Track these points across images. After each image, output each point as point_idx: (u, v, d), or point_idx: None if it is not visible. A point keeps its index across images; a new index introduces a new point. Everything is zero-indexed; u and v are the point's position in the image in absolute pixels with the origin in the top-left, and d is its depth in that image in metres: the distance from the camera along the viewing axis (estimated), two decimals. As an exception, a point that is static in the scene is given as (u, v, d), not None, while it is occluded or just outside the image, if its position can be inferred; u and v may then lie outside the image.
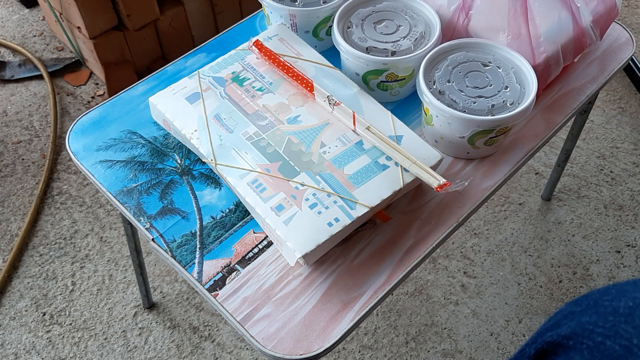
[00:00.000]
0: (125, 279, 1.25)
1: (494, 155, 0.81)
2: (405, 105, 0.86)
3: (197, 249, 0.72)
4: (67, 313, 1.21)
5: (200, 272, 0.70)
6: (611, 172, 1.42)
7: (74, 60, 1.65)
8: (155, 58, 1.61)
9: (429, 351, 1.16)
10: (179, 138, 0.79)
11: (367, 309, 0.68)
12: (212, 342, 1.17)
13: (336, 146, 0.74)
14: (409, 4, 0.86)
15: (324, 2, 0.86)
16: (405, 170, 0.72)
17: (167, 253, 0.71)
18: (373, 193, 0.70)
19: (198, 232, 0.73)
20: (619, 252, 1.29)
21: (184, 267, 0.70)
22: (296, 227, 0.67)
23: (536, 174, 1.42)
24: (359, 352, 1.16)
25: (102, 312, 1.21)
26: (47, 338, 1.18)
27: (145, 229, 0.73)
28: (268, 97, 0.78)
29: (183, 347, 1.16)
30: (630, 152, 1.46)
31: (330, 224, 0.67)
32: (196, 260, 0.71)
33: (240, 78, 0.80)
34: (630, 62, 1.59)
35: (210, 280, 0.69)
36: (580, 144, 1.47)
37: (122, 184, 0.78)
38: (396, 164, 0.72)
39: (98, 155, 0.81)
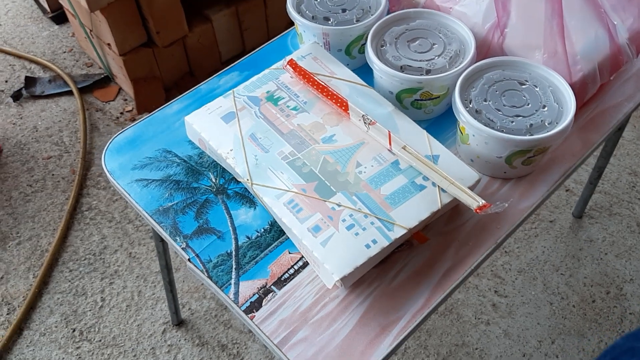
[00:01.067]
0: (154, 295, 1.25)
1: (531, 174, 0.80)
2: (439, 124, 0.85)
3: (233, 270, 0.71)
4: (97, 329, 1.21)
5: (236, 293, 0.70)
6: (644, 189, 1.40)
7: (103, 76, 1.68)
8: (183, 74, 1.63)
9: (460, 371, 1.14)
10: (214, 157, 0.79)
11: (405, 333, 0.67)
12: (241, 359, 1.16)
13: (372, 166, 0.73)
14: (443, 22, 0.85)
15: (357, 21, 0.86)
16: (443, 190, 0.71)
17: (204, 273, 0.71)
18: (411, 214, 0.69)
19: (234, 252, 0.73)
20: (654, 271, 1.27)
21: (220, 288, 0.70)
22: (333, 248, 0.67)
23: (567, 190, 1.40)
24: (389, 371, 1.15)
25: (131, 328, 1.21)
26: (77, 355, 1.18)
27: (182, 249, 0.73)
28: (303, 116, 0.78)
29: (211, 365, 1.16)
30: (663, 168, 1.44)
31: (368, 246, 0.67)
32: (232, 281, 0.71)
33: (274, 97, 0.80)
34: (661, 76, 1.56)
35: (246, 301, 0.69)
36: (611, 161, 1.45)
37: (157, 203, 0.78)
38: (433, 184, 0.72)
39: (134, 174, 0.81)
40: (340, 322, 0.68)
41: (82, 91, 1.65)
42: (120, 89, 1.66)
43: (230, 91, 0.81)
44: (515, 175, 0.79)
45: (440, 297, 0.69)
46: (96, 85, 1.67)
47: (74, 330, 1.21)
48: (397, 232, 0.68)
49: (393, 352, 0.66)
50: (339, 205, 0.70)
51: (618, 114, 0.87)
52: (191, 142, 0.83)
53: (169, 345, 1.19)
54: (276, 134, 0.76)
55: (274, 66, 0.83)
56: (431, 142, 0.76)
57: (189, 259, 0.73)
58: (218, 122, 0.78)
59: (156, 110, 0.88)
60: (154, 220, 0.76)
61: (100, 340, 1.20)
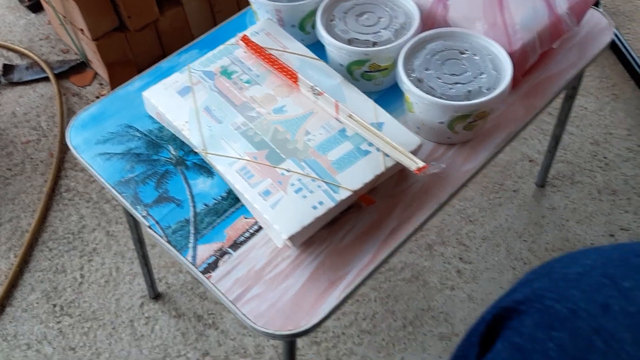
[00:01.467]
0: (131, 270, 1.30)
1: (475, 140, 0.84)
2: (390, 95, 0.89)
3: (191, 234, 0.76)
4: (77, 304, 1.26)
5: (194, 256, 0.74)
6: (605, 157, 1.45)
7: (78, 62, 1.71)
8: (157, 57, 1.66)
9: (426, 335, 1.20)
10: (171, 130, 0.83)
11: (352, 287, 0.71)
12: (216, 329, 1.21)
13: (320, 134, 0.77)
14: (392, -3, 0.89)
15: (310, -3, 0.90)
16: (386, 155, 0.75)
17: (163, 239, 0.76)
18: (356, 177, 0.74)
19: (192, 219, 0.77)
20: (613, 235, 1.32)
21: (179, 252, 0.74)
22: (282, 210, 0.71)
23: (530, 161, 1.44)
24: (358, 336, 1.20)
25: (110, 302, 1.26)
26: (58, 329, 1.22)
27: (142, 216, 0.78)
28: (255, 89, 0.82)
29: (188, 335, 1.20)
30: (623, 137, 1.49)
31: (314, 207, 0.71)
32: (190, 245, 0.75)
33: (228, 71, 0.84)
34: (622, 49, 1.61)
35: (203, 263, 0.73)
36: (574, 131, 1.50)
37: (120, 175, 0.82)
38: (378, 149, 0.76)
39: (97, 148, 0.85)
40: (292, 279, 0.73)
41: (59, 77, 1.68)
42: (95, 73, 1.69)
43: (186, 67, 0.85)
44: (459, 141, 0.83)
45: (385, 254, 0.74)
46: (72, 70, 1.70)
47: (54, 306, 1.26)
48: (343, 194, 0.72)
49: (341, 304, 0.71)
50: (288, 171, 0.74)
51: (561, 81, 0.92)
52: (151, 117, 0.87)
53: (146, 317, 1.23)
54: (229, 106, 0.80)
55: (228, 42, 0.87)
56: (377, 110, 0.80)
57: (149, 226, 0.77)
58: (174, 96, 0.82)
59: (118, 87, 0.92)
60: (116, 191, 0.80)
61: (80, 315, 1.24)
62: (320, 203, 0.71)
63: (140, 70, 1.63)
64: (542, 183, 1.39)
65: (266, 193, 0.72)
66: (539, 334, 0.37)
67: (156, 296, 1.26)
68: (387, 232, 0.76)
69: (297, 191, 0.72)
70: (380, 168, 0.74)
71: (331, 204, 0.71)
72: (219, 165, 0.76)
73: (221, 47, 0.87)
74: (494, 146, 0.84)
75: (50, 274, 1.30)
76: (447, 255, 1.30)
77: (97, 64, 1.63)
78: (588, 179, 1.41)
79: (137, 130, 0.86)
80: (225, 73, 0.83)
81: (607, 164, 1.44)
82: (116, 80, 1.59)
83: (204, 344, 1.19)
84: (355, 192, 0.73)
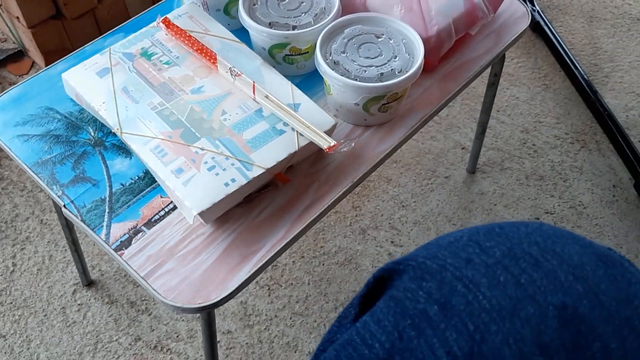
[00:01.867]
0: (65, 258, 1.29)
1: (391, 122, 0.87)
2: (312, 79, 0.91)
3: (106, 213, 0.76)
4: (8, 292, 1.24)
5: (108, 234, 0.75)
6: (533, 144, 1.50)
7: (16, 50, 1.68)
8: (96, 46, 1.64)
9: (357, 316, 1.22)
10: (90, 111, 0.83)
11: (264, 261, 0.73)
12: (149, 315, 1.21)
13: (237, 113, 0.79)
14: (313, -17, 0.91)
15: None
16: (301, 135, 0.77)
17: (77, 217, 0.76)
18: (269, 155, 0.75)
19: (107, 198, 0.78)
20: (538, 218, 1.37)
21: (92, 230, 0.75)
22: (194, 187, 0.72)
23: (462, 148, 1.49)
24: (290, 318, 1.22)
25: (42, 290, 1.25)
26: (-13, 317, 1.21)
27: (57, 196, 0.78)
28: (174, 70, 0.83)
29: (120, 321, 1.21)
30: (552, 125, 1.54)
31: (227, 184, 0.73)
32: (104, 224, 0.76)
33: (148, 53, 0.84)
34: (554, 40, 1.67)
35: (117, 241, 0.74)
36: (505, 120, 1.55)
37: (37, 156, 0.82)
38: (292, 129, 0.78)
39: (16, 130, 0.85)
40: (205, 254, 0.74)
41: (-5, 65, 1.65)
42: (33, 62, 1.67)
43: (107, 49, 0.85)
44: (375, 122, 0.86)
45: (298, 229, 0.76)
46: (9, 59, 1.67)
47: (-16, 295, 1.24)
48: (256, 172, 0.74)
49: (252, 278, 0.73)
50: (202, 149, 0.75)
51: (475, 66, 0.95)
52: (72, 99, 0.87)
53: (79, 304, 1.23)
54: (147, 86, 0.81)
55: (150, 25, 0.88)
56: (294, 91, 0.82)
57: (64, 205, 0.77)
58: (93, 77, 0.82)
59: (41, 70, 0.92)
60: (32, 172, 0.80)
61: (11, 303, 1.23)
62: (233, 180, 0.73)
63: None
64: (472, 169, 1.43)
65: (179, 171, 0.74)
66: (412, 285, 0.41)
67: (89, 283, 1.25)
68: (301, 210, 0.78)
69: (210, 169, 0.74)
70: (294, 147, 0.76)
71: (243, 181, 0.73)
72: (134, 144, 0.76)
73: (143, 29, 0.87)
74: (408, 128, 0.87)
75: (-19, 263, 1.28)
76: (379, 239, 1.33)
77: (34, 53, 1.61)
78: (517, 165, 1.46)
79: (57, 112, 0.86)
80: (145, 54, 0.84)
81: (535, 150, 1.49)
82: (53, 69, 1.57)
83: (136, 330, 1.20)
84: (268, 170, 0.75)
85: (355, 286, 1.26)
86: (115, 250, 0.73)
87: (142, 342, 1.18)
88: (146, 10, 1.01)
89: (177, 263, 0.73)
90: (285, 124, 0.78)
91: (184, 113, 0.78)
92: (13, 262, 1.28)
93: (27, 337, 1.19)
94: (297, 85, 0.83)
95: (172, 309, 0.70)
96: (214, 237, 0.75)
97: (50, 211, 1.36)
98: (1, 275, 1.27)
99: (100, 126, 0.84)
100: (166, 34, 0.86)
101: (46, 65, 1.57)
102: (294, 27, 0.86)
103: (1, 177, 1.42)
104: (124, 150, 0.82)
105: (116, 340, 1.18)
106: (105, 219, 0.76)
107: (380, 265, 1.27)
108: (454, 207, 1.38)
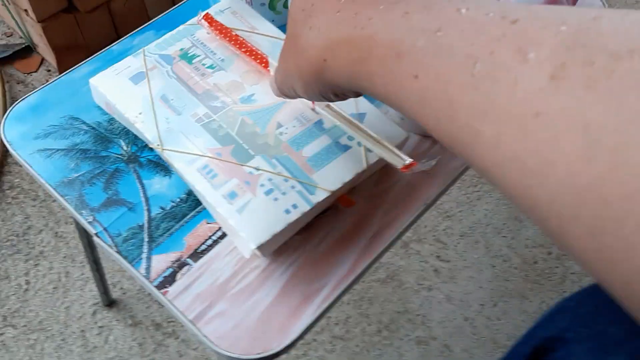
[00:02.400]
0: (82, 275, 1.19)
1: (463, 132, 0.76)
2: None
3: (145, 243, 0.66)
4: (22, 314, 1.14)
5: (148, 268, 0.64)
6: (584, 149, 1.40)
7: (24, 46, 1.57)
8: (111, 41, 1.53)
9: (402, 339, 1.12)
10: (123, 122, 0.73)
11: (329, 302, 0.63)
12: (176, 339, 1.11)
13: (294, 126, 0.68)
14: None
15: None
16: (369, 150, 0.67)
17: (112, 248, 0.65)
18: (334, 176, 0.65)
19: (146, 225, 0.67)
20: (594, 230, 1.27)
21: (130, 264, 0.64)
22: (250, 215, 0.62)
23: (508, 153, 1.38)
24: (330, 342, 1.12)
25: (59, 311, 1.14)
26: (1, 341, 1.11)
27: (88, 222, 0.67)
28: (219, 75, 0.72)
29: (146, 345, 1.10)
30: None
31: (287, 211, 0.62)
32: (144, 255, 0.65)
33: (189, 55, 0.74)
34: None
35: (159, 276, 0.64)
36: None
37: (62, 174, 0.71)
38: (359, 144, 0.67)
39: (36, 144, 0.74)
40: (261, 293, 0.63)
41: (2, 62, 1.54)
42: (43, 59, 1.56)
43: (141, 50, 0.75)
44: (446, 134, 0.76)
45: (366, 263, 0.66)
46: (17, 55, 1.56)
47: (-4, 316, 1.14)
48: (320, 196, 0.63)
49: (316, 321, 0.62)
50: (257, 170, 0.65)
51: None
52: (100, 107, 0.76)
53: (99, 327, 1.13)
54: (190, 94, 0.70)
55: (189, 22, 0.77)
56: (358, 100, 0.71)
57: (95, 234, 0.67)
58: (126, 84, 0.71)
59: (62, 74, 0.81)
60: (58, 193, 0.70)
61: (25, 325, 1.13)
62: (294, 206, 0.62)
63: (92, 53, 1.51)
64: (521, 176, 1.33)
65: (232, 195, 0.63)
66: None
67: (110, 303, 1.15)
68: (368, 238, 0.67)
69: (267, 193, 0.63)
70: (362, 165, 0.66)
71: (306, 207, 0.62)
72: (177, 163, 0.66)
73: (181, 27, 0.77)
74: (484, 140, 0.76)
75: (-8, 280, 1.18)
76: (423, 253, 1.23)
77: (44, 49, 1.50)
78: (567, 172, 1.36)
79: (84, 122, 0.76)
80: (185, 57, 0.73)
81: (586, 156, 1.39)
82: (65, 66, 1.46)
83: (162, 355, 1.09)
84: (333, 193, 0.64)
85: (399, 306, 1.16)
86: (158, 287, 0.63)
87: (169, 369, 1.08)
88: (177, 5, 0.90)
89: (230, 303, 0.62)
90: (350, 138, 0.68)
91: (234, 126, 0.68)
92: (26, 280, 1.18)
93: (43, 363, 1.09)
94: (358, 92, 0.72)
95: (226, 359, 0.60)
96: (270, 272, 0.65)
97: (65, 223, 1.26)
98: (14, 294, 1.16)
99: (134, 139, 0.74)
100: (208, 33, 0.75)
101: (57, 62, 1.47)
102: None
103: (11, 185, 1.32)
104: (162, 167, 0.71)
105: (141, 367, 1.08)
106: (145, 250, 0.65)
107: (427, 282, 1.17)
108: (503, 217, 1.28)
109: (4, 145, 1.35)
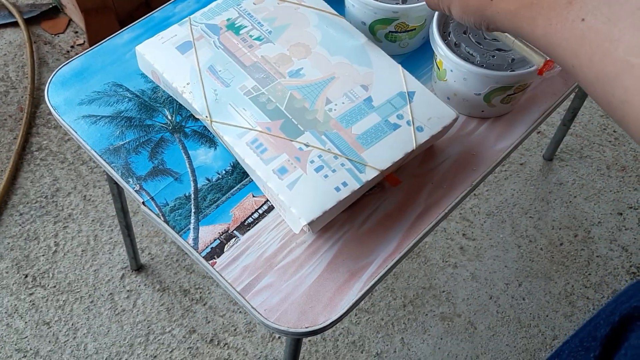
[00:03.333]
0: (111, 239, 1.20)
1: (509, 114, 0.76)
2: (415, 59, 0.80)
3: (192, 214, 0.66)
4: (51, 275, 1.16)
5: (196, 239, 0.64)
6: (614, 131, 1.38)
7: (51, 6, 1.55)
8: (138, 5, 1.52)
9: (426, 314, 1.13)
10: (169, 92, 0.72)
11: (375, 279, 0.63)
12: (204, 305, 1.13)
13: (343, 103, 0.67)
14: (421, -53, 0.78)
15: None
16: (418, 129, 0.66)
17: (160, 218, 0.66)
18: (384, 155, 0.65)
19: (193, 195, 0.67)
20: (621, 214, 1.26)
21: (178, 233, 0.65)
22: (301, 191, 0.62)
23: (538, 132, 1.37)
24: (356, 315, 1.13)
25: (88, 274, 1.16)
26: (30, 301, 1.12)
27: (135, 191, 0.67)
28: (267, 47, 0.71)
29: (173, 311, 1.12)
30: (634, 111, 1.42)
31: (337, 189, 0.62)
32: (191, 226, 0.65)
33: (236, 26, 0.73)
34: None
35: (207, 247, 0.64)
36: (584, 103, 1.42)
37: (107, 141, 0.71)
38: (408, 122, 0.67)
39: (81, 109, 0.74)
40: (308, 268, 0.64)
41: (29, 22, 1.52)
42: (70, 20, 1.55)
43: (187, 18, 0.74)
44: (494, 114, 0.75)
45: (412, 241, 0.66)
46: (44, 16, 1.54)
47: (26, 276, 1.15)
48: (369, 174, 0.63)
49: (362, 298, 0.63)
50: (307, 146, 0.64)
51: (600, 51, 0.83)
52: (144, 75, 0.76)
53: (128, 290, 1.14)
54: (238, 66, 0.69)
55: None
56: (406, 77, 0.70)
57: (143, 202, 0.67)
58: (173, 53, 0.70)
59: (105, 40, 0.80)
60: (104, 161, 0.70)
61: (54, 286, 1.14)
62: (344, 184, 0.62)
63: (119, 18, 1.50)
64: (550, 157, 1.32)
65: (282, 171, 0.63)
66: None
67: (138, 268, 1.16)
68: (414, 217, 0.67)
69: (317, 169, 0.63)
70: (411, 145, 0.65)
71: (356, 186, 0.62)
72: (226, 135, 0.65)
73: None
74: (531, 122, 0.75)
75: (21, 241, 1.19)
76: (450, 231, 1.23)
77: (72, 10, 1.48)
78: (597, 154, 1.35)
79: (128, 90, 0.75)
80: (232, 27, 0.72)
81: (616, 138, 1.37)
82: (93, 28, 1.45)
83: (190, 321, 1.11)
84: (382, 172, 0.64)
85: (425, 282, 1.16)
86: (206, 258, 0.63)
87: (197, 334, 1.09)
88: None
89: (277, 277, 0.63)
90: (400, 117, 0.67)
91: (283, 101, 0.67)
92: (55, 242, 1.19)
93: (72, 324, 1.10)
94: (400, 68, 0.72)
95: (275, 331, 0.60)
96: (317, 247, 0.65)
97: (93, 187, 1.26)
98: (43, 255, 1.18)
99: (178, 108, 0.73)
100: (255, 4, 0.74)
101: (86, 25, 1.45)
102: (403, 1, 0.74)
103: (39, 147, 1.32)
104: (207, 138, 0.71)
105: (169, 332, 1.10)
106: (192, 221, 0.66)
107: (452, 260, 1.17)
108: (530, 197, 1.28)
109: (33, 106, 1.35)
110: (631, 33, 0.32)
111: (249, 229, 0.66)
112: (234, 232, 0.65)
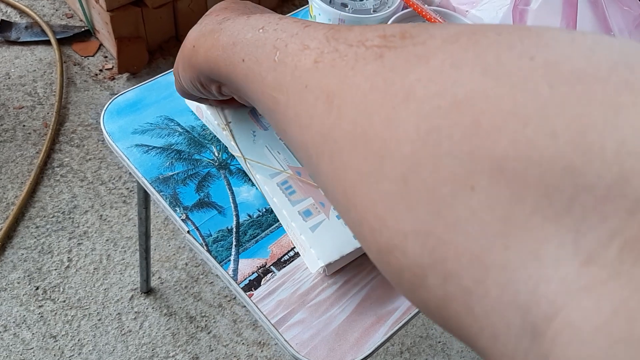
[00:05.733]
0: (123, 260, 1.23)
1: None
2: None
3: (233, 246, 0.71)
4: (61, 290, 1.18)
5: (235, 270, 0.69)
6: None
7: (83, 29, 1.61)
8: (169, 38, 1.58)
9: (422, 363, 1.18)
10: (211, 128, 0.78)
11: (400, 324, 0.68)
12: (208, 333, 1.16)
13: None
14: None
15: (374, 11, 0.86)
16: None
17: (203, 247, 0.70)
18: None
19: (234, 229, 0.72)
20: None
21: (219, 264, 0.69)
22: (322, 235, 0.67)
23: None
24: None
25: (98, 292, 1.19)
26: (39, 313, 1.15)
27: (182, 220, 0.72)
28: None
29: (178, 336, 1.15)
30: None
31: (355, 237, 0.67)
32: (232, 258, 0.70)
33: None
34: None
35: (245, 279, 0.69)
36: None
37: (158, 171, 0.76)
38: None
39: (134, 138, 0.79)
40: (337, 308, 0.69)
41: (61, 42, 1.58)
42: (101, 45, 1.61)
43: None
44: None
45: (435, 292, 0.71)
46: (76, 38, 1.60)
47: (37, 288, 1.18)
48: None
49: (386, 341, 0.68)
50: None
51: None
52: (194, 113, 0.82)
53: (135, 312, 1.17)
54: None
55: None
56: None
57: (188, 231, 0.72)
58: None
59: (159, 75, 0.86)
60: (154, 189, 0.75)
61: (64, 301, 1.17)
62: None
63: (149, 48, 1.56)
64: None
65: (307, 213, 0.68)
66: None
67: (148, 291, 1.20)
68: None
69: (339, 216, 0.68)
70: None
71: None
72: (259, 174, 0.71)
73: None
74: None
75: (35, 254, 1.22)
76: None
77: (105, 36, 1.55)
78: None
79: (178, 124, 0.81)
80: None
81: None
82: (124, 56, 1.51)
83: (194, 348, 1.14)
84: None
85: (422, 331, 1.21)
86: (244, 289, 0.68)
87: (200, 362, 1.12)
88: (267, 23, 0.96)
89: (309, 313, 0.68)
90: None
91: None
92: (69, 257, 1.22)
93: (79, 340, 1.13)
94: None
95: (304, 365, 0.65)
96: (347, 289, 0.70)
97: (110, 207, 1.30)
98: (56, 269, 1.21)
99: (224, 147, 0.79)
100: None
101: (118, 51, 1.52)
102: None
103: (61, 163, 1.36)
104: (249, 177, 0.77)
105: (173, 356, 1.12)
106: (233, 253, 0.70)
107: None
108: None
109: (58, 124, 1.40)
110: (270, 73, 0.36)
111: (285, 266, 0.71)
112: (271, 267, 0.70)
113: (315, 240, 0.67)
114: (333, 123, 0.28)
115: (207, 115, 0.76)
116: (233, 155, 0.78)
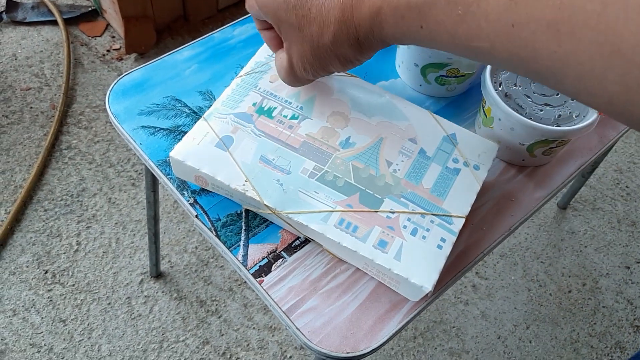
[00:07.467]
0: (132, 244, 1.21)
1: (547, 165, 0.79)
2: (459, 103, 0.83)
3: (243, 231, 0.69)
4: (70, 273, 1.17)
5: (245, 256, 0.67)
6: (627, 187, 1.42)
7: (90, 9, 1.59)
8: (177, 17, 1.55)
9: (436, 348, 1.15)
10: (221, 193, 0.69)
11: (414, 313, 0.66)
12: (219, 317, 1.14)
13: (402, 161, 0.68)
14: None
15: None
16: (475, 168, 0.68)
17: (212, 232, 0.68)
18: (460, 201, 0.66)
19: (244, 213, 0.70)
20: (629, 268, 1.30)
21: (228, 249, 0.67)
22: (410, 259, 0.62)
23: (554, 180, 1.41)
24: None
25: (107, 276, 1.17)
26: (48, 297, 1.14)
27: (190, 204, 0.70)
28: (307, 123, 0.70)
29: (188, 320, 1.14)
30: (647, 168, 1.46)
31: (440, 247, 0.62)
32: (241, 243, 0.68)
33: (265, 109, 0.71)
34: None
35: (255, 265, 0.67)
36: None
37: (165, 153, 0.74)
38: (465, 164, 0.69)
39: (140, 119, 0.77)
40: (350, 295, 0.66)
41: (67, 23, 1.56)
42: (108, 25, 1.58)
43: (209, 114, 0.69)
44: (533, 164, 0.78)
45: (451, 279, 0.68)
46: (82, 18, 1.58)
47: (46, 272, 1.17)
48: (458, 223, 0.64)
49: (401, 329, 0.65)
50: (392, 213, 0.64)
51: (634, 113, 0.87)
52: (202, 92, 0.79)
53: (145, 296, 1.16)
54: (289, 150, 0.68)
55: (241, 72, 0.74)
56: (439, 121, 0.71)
57: (196, 215, 0.69)
58: (215, 152, 0.66)
59: (165, 54, 0.83)
60: (161, 172, 0.72)
61: (73, 285, 1.16)
62: (443, 240, 0.63)
63: (157, 28, 1.53)
64: (564, 205, 1.36)
65: (382, 244, 0.63)
66: None
67: (158, 275, 1.18)
68: (454, 256, 0.70)
69: (413, 233, 0.63)
70: (477, 185, 0.68)
71: (453, 238, 0.63)
72: (311, 224, 0.63)
73: (238, 80, 0.73)
74: (567, 175, 0.79)
75: (44, 237, 1.21)
76: (463, 268, 1.26)
77: (112, 16, 1.52)
78: (609, 207, 1.38)
79: (186, 105, 0.78)
80: (263, 111, 0.70)
81: (628, 193, 1.41)
82: (131, 35, 1.48)
83: (204, 332, 1.13)
84: (466, 217, 0.65)
85: (436, 316, 1.19)
86: (254, 275, 0.66)
87: (210, 346, 1.11)
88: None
89: (321, 300, 0.65)
90: (455, 160, 0.69)
91: (349, 174, 0.67)
92: (77, 241, 1.21)
93: (88, 324, 1.12)
94: (441, 110, 0.75)
95: (316, 353, 0.63)
96: (360, 276, 0.68)
97: (119, 190, 1.28)
98: (64, 253, 1.19)
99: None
100: (271, 82, 0.73)
101: (125, 31, 1.49)
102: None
103: (69, 145, 1.34)
104: (295, 229, 0.73)
105: (183, 341, 1.11)
106: (242, 238, 0.68)
107: (464, 297, 1.20)
108: (542, 243, 1.31)
109: (65, 105, 1.38)
110: (461, 24, 0.37)
111: (296, 251, 0.68)
112: (282, 252, 0.68)
113: (409, 269, 0.61)
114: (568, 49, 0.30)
115: (216, 182, 0.66)
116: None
